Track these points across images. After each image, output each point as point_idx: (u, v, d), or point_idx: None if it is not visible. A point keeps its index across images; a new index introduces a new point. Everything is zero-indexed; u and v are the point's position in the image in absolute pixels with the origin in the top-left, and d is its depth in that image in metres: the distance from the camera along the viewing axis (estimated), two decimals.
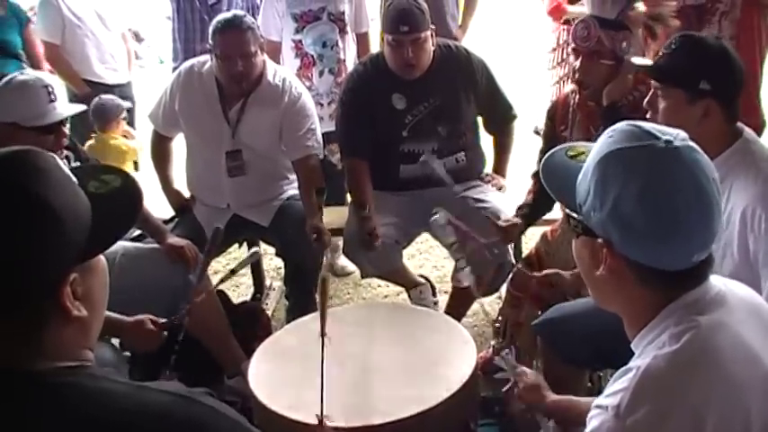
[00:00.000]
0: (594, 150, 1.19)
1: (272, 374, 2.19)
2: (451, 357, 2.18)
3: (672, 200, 1.10)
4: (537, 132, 5.62)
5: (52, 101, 2.38)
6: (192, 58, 3.45)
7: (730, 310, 1.18)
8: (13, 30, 3.49)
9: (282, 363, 2.25)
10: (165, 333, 2.26)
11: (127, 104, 4.19)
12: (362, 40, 3.87)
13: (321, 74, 3.70)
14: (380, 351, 2.26)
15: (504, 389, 1.93)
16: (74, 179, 1.07)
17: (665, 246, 1.12)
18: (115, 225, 1.11)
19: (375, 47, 3.98)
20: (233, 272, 2.48)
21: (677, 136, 1.14)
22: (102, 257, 1.10)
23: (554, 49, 5.31)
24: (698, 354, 1.12)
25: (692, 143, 1.14)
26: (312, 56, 3.68)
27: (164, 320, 2.28)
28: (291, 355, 2.28)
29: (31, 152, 1.05)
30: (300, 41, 3.66)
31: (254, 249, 2.43)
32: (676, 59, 1.96)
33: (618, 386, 1.14)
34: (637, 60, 2.16)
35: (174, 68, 3.97)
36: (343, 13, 3.69)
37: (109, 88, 4.23)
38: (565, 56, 5.24)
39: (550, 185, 1.29)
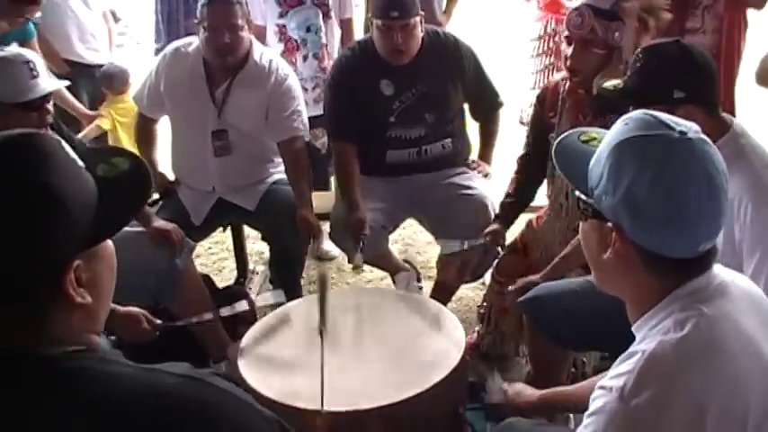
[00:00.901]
0: (609, 136, 1.21)
1: (261, 360, 2.18)
2: (441, 342, 2.19)
3: (684, 190, 1.12)
4: (522, 122, 5.66)
5: (35, 77, 2.34)
6: (176, 38, 3.44)
7: (732, 300, 1.20)
8: (11, 42, 3.51)
9: (270, 347, 2.25)
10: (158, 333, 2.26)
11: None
12: (346, 25, 3.84)
13: (305, 58, 3.68)
14: (369, 336, 2.26)
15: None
16: (79, 163, 1.04)
17: (674, 234, 1.14)
18: (122, 209, 1.09)
19: (359, 33, 3.98)
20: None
21: (691, 128, 1.16)
22: (109, 242, 1.09)
23: (539, 38, 5.31)
24: (703, 343, 1.14)
25: (703, 135, 1.17)
26: (296, 40, 3.65)
27: (159, 322, 2.27)
28: (280, 341, 2.28)
29: (34, 135, 1.03)
30: (284, 26, 3.63)
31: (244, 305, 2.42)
32: (644, 77, 1.98)
33: (623, 368, 1.16)
34: (607, 84, 2.17)
35: (158, 49, 3.94)
36: None
37: (90, 68, 4.17)
38: (551, 45, 5.26)
39: (562, 167, 1.32)
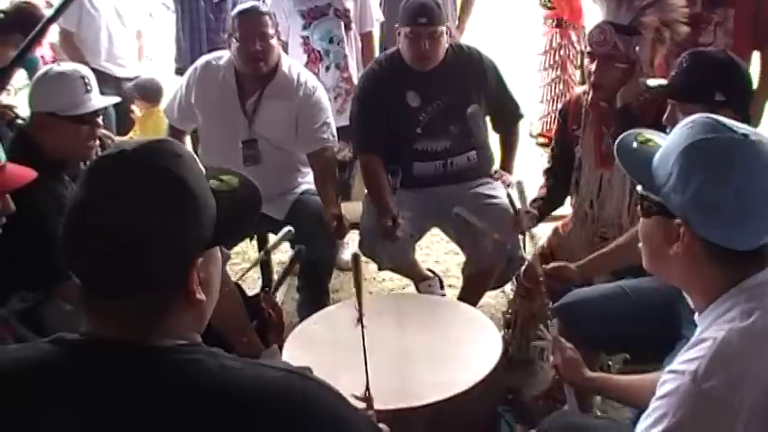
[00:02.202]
0: (674, 138, 1.31)
1: (305, 362, 2.24)
2: (478, 343, 2.27)
3: (750, 188, 1.22)
4: (532, 135, 5.77)
5: (88, 91, 2.42)
6: (199, 55, 3.53)
7: None
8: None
9: (313, 350, 2.31)
10: None
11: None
12: (367, 39, 3.96)
13: (327, 69, 3.78)
14: (409, 337, 2.34)
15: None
16: (204, 171, 1.13)
17: (740, 228, 1.24)
18: (237, 219, 1.18)
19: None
20: (267, 252, 2.52)
21: (751, 131, 1.27)
22: (217, 248, 1.15)
23: (545, 52, 5.43)
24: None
25: (762, 137, 1.27)
26: (319, 51, 3.77)
27: None
28: (321, 343, 2.35)
29: (173, 141, 1.13)
30: (307, 37, 3.74)
31: (287, 228, 2.51)
32: (690, 77, 2.11)
33: (693, 354, 1.23)
34: (651, 82, 2.28)
35: (179, 68, 4.04)
36: (349, 9, 3.78)
37: (115, 80, 4.28)
38: (557, 58, 5.39)
39: (626, 167, 1.42)
